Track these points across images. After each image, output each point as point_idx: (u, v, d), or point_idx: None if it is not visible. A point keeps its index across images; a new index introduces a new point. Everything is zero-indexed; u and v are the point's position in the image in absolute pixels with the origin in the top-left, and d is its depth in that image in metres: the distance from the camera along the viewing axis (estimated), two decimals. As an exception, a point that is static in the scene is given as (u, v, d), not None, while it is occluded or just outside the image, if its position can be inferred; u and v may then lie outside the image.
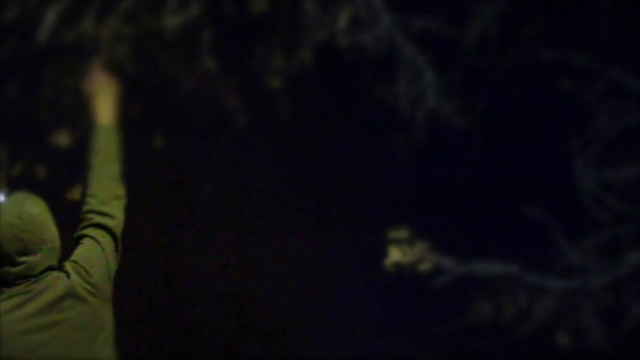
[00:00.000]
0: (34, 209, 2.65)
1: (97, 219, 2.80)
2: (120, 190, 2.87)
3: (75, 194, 5.20)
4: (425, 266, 4.15)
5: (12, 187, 5.23)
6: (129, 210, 3.01)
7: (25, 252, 2.63)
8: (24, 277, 2.64)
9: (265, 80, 5.18)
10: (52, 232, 2.67)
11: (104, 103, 3.01)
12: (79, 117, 5.54)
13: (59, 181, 5.35)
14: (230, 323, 8.78)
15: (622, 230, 4.48)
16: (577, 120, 4.48)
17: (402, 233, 3.98)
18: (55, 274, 2.68)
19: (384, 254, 4.02)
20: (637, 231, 4.47)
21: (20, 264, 2.62)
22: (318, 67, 4.99)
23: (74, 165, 5.44)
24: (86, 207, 2.82)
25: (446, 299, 4.63)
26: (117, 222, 2.80)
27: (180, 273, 8.94)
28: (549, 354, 5.23)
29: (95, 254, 2.76)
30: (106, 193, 2.87)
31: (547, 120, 4.49)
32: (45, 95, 5.43)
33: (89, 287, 2.70)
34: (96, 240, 2.76)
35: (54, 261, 2.69)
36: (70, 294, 2.68)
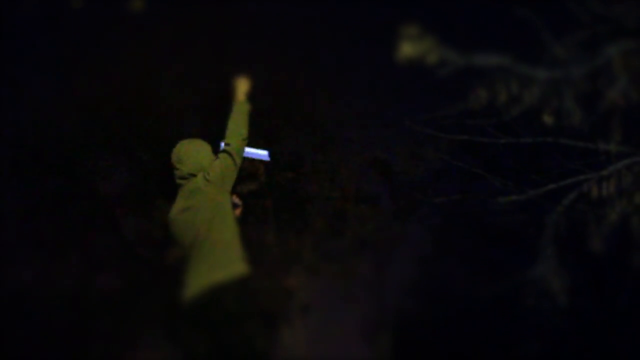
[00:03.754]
0: (185, 146, 4.50)
1: (225, 147, 4.44)
2: (244, 133, 4.49)
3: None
4: (432, 58, 4.24)
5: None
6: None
7: (179, 163, 4.46)
8: (180, 177, 4.45)
9: None
10: (196, 157, 4.45)
11: (242, 91, 4.65)
12: None
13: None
14: (271, 114, 9.25)
15: (600, 28, 4.57)
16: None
17: (413, 29, 4.10)
18: (194, 178, 4.40)
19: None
20: (612, 29, 4.56)
21: (178, 169, 4.46)
22: None
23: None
24: (224, 140, 4.47)
25: (449, 86, 4.85)
26: (232, 147, 4.41)
27: (227, 70, 9.32)
28: (535, 132, 5.55)
29: (215, 165, 4.37)
30: (233, 133, 4.47)
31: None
32: None
33: (207, 183, 4.29)
34: (219, 158, 4.39)
35: (194, 171, 4.41)
36: (197, 189, 4.33)
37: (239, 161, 4.42)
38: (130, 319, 16.01)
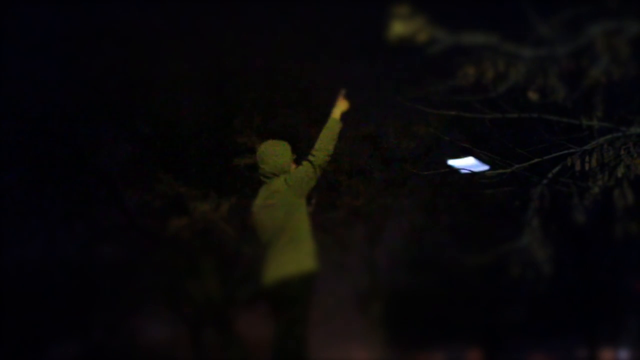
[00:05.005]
0: (267, 149, 4.79)
1: (309, 157, 4.69)
2: (330, 147, 4.70)
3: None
4: (422, 37, 4.25)
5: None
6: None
7: (262, 163, 4.78)
8: (263, 175, 4.79)
9: None
10: (276, 159, 4.74)
11: (340, 108, 4.84)
12: None
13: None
14: (268, 91, 9.26)
15: (583, 9, 4.58)
16: None
17: (404, 9, 4.12)
18: (275, 178, 4.73)
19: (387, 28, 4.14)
20: (594, 9, 4.57)
21: (261, 168, 4.79)
22: None
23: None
24: (311, 151, 4.71)
25: (438, 64, 4.87)
26: (316, 160, 4.66)
27: (226, 52, 9.31)
28: (520, 108, 5.60)
29: (297, 172, 4.68)
30: (321, 148, 4.69)
31: None
32: None
33: (286, 186, 4.63)
34: (302, 165, 4.68)
35: (276, 172, 4.74)
36: (277, 190, 4.66)
37: (319, 173, 4.74)
38: (131, 287, 16.13)
